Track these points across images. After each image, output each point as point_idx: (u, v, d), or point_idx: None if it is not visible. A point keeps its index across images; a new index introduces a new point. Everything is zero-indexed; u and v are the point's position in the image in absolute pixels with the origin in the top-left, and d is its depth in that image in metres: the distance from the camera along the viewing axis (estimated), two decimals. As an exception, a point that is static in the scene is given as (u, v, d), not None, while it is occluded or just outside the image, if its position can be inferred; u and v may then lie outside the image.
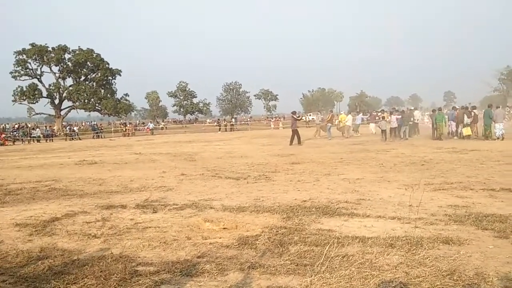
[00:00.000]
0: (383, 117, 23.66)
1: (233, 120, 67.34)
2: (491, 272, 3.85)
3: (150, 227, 6.10)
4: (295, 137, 21.41)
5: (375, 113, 32.98)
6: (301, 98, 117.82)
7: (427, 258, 4.27)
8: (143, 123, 71.07)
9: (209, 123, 72.16)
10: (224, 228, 5.84)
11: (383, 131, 22.69)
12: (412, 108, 32.33)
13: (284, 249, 4.81)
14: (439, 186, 8.64)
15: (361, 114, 36.85)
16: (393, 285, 3.66)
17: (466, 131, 21.16)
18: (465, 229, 5.39)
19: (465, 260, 4.22)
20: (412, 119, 23.82)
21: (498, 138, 19.82)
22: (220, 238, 5.41)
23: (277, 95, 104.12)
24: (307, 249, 4.79)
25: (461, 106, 24.60)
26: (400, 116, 22.89)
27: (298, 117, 26.62)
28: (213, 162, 15.04)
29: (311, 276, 3.92)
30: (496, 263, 4.12)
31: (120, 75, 60.32)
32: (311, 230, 5.59)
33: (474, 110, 22.04)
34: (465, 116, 21.34)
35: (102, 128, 52.35)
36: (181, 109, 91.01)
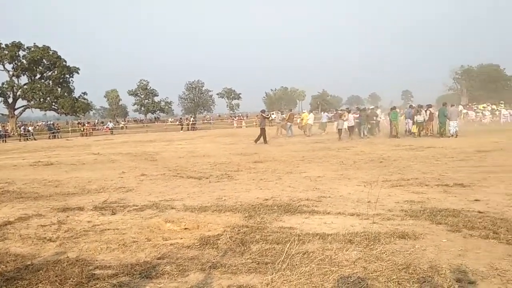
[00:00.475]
0: (340, 116, 23.97)
1: (192, 119, 66.46)
2: (444, 265, 4.00)
3: (108, 229, 5.96)
4: (262, 135, 21.57)
5: (341, 112, 33.43)
6: (264, 97, 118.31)
7: (384, 252, 4.39)
8: (102, 122, 69.22)
9: (171, 122, 71.14)
10: (185, 229, 5.78)
11: (339, 130, 22.79)
12: (373, 107, 33.08)
13: (245, 248, 4.81)
14: (396, 182, 8.89)
15: (325, 112, 37.16)
16: (351, 280, 3.74)
17: (413, 128, 22.16)
18: (420, 223, 5.57)
19: (420, 253, 4.36)
20: (374, 117, 24.35)
21: (452, 136, 20.61)
22: (181, 238, 5.35)
23: (240, 94, 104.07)
24: (268, 247, 4.81)
25: (418, 105, 25.40)
26: (357, 115, 23.34)
27: (267, 115, 26.81)
28: (175, 161, 14.86)
29: (272, 274, 3.94)
30: (449, 255, 4.28)
31: (78, 73, 58.37)
32: (272, 228, 5.62)
33: (430, 109, 22.82)
34: (416, 115, 22.21)
35: (59, 128, 50.57)
36: (142, 108, 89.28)
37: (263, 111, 23.95)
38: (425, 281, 3.64)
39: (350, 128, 23.01)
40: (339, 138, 22.33)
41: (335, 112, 36.14)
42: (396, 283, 3.63)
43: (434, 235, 5.02)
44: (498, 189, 7.74)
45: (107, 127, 52.92)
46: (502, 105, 39.61)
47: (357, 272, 3.89)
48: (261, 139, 21.45)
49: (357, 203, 6.97)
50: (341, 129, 22.78)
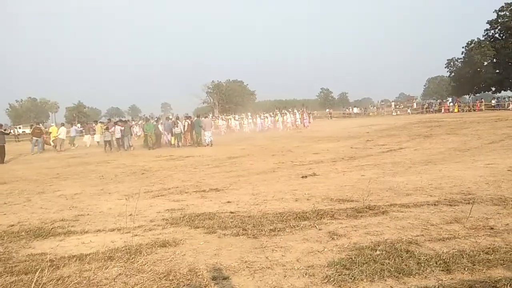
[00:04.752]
0: (107, 128, 23.51)
1: None
2: (202, 266, 4.22)
3: None
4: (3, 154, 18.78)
5: (92, 125, 31.91)
6: (7, 109, 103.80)
7: (145, 264, 4.35)
8: None
9: None
10: None
11: (107, 142, 22.55)
12: (128, 119, 33.02)
13: (-17, 286, 4.04)
14: (158, 192, 9.03)
15: (74, 126, 34.53)
16: (111, 299, 3.55)
17: (173, 140, 23.33)
18: (180, 230, 5.76)
19: (180, 259, 4.49)
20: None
21: (207, 145, 22.33)
22: None
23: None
24: (14, 279, 4.16)
25: (176, 117, 26.65)
26: (123, 128, 23.14)
27: (5, 130, 23.47)
28: None
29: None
30: (206, 257, 4.54)
31: None
32: (19, 258, 4.90)
33: (188, 120, 24.21)
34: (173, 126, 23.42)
35: None
36: None
37: None
38: (184, 285, 3.75)
39: (118, 140, 22.88)
40: (105, 150, 21.95)
41: (86, 125, 34.49)
42: (157, 292, 3.64)
43: (193, 239, 5.25)
44: (246, 190, 8.70)
45: None
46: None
47: (117, 289, 3.74)
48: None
49: (118, 217, 6.75)
50: (109, 140, 22.49)
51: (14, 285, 4.01)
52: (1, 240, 5.69)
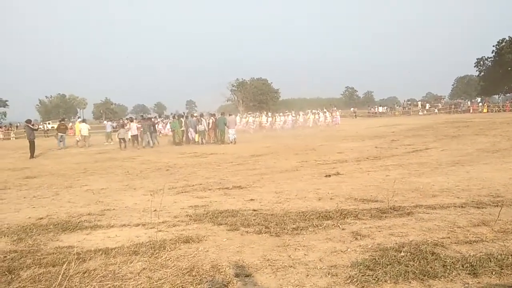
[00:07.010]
0: (123, 125, 23.69)
1: None
2: (224, 263, 4.24)
3: None
4: (31, 148, 19.30)
5: (127, 121, 32.55)
6: (37, 105, 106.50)
7: (169, 259, 4.40)
8: None
9: None
10: None
11: (121, 139, 22.60)
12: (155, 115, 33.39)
13: (13, 276, 4.17)
14: (182, 189, 9.12)
15: (109, 122, 35.34)
16: (135, 293, 3.61)
17: (197, 137, 23.45)
18: (203, 226, 5.81)
19: (203, 255, 4.53)
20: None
21: (231, 142, 22.43)
22: None
23: (6, 101, 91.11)
24: (42, 271, 4.27)
25: (200, 114, 26.83)
26: (140, 125, 23.35)
27: (33, 125, 24.14)
28: None
29: (46, 302, 3.50)
30: (228, 253, 4.56)
31: None
32: (47, 250, 5.03)
33: (212, 118, 24.39)
34: (198, 124, 23.57)
35: None
36: None
37: (28, 121, 21.56)
38: (207, 281, 3.78)
39: (134, 137, 22.95)
40: (120, 148, 22.06)
41: (120, 120, 35.18)
42: (180, 287, 3.68)
43: (216, 236, 5.29)
44: (269, 188, 8.70)
45: None
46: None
47: (141, 283, 3.79)
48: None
49: (143, 213, 6.85)
50: (123, 138, 22.60)
51: (42, 277, 4.11)
52: (30, 233, 5.84)
